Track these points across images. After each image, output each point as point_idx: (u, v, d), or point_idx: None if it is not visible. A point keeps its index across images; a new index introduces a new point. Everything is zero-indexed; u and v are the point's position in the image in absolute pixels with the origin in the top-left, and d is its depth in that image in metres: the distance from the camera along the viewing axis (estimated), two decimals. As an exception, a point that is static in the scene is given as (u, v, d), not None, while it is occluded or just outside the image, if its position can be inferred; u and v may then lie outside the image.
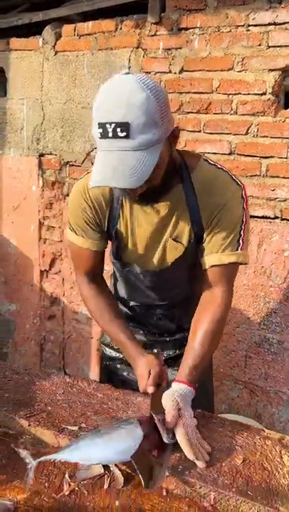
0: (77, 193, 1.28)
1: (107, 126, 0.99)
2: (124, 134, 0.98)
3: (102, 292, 1.40)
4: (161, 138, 1.04)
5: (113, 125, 0.98)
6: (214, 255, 1.25)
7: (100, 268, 1.40)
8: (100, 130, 1.00)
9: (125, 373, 1.55)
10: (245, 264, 1.29)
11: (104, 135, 1.00)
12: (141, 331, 1.52)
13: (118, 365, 1.56)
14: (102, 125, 1.00)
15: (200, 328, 1.24)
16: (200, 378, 1.22)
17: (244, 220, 1.24)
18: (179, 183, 1.23)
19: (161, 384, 1.24)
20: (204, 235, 1.25)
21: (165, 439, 1.05)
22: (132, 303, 1.48)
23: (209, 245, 1.25)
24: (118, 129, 0.98)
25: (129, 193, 1.15)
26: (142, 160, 1.00)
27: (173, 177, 1.21)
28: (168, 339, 1.51)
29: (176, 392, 1.13)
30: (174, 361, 1.47)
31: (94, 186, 1.05)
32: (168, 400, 1.11)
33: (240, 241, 1.24)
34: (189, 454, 1.04)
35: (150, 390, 1.20)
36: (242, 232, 1.24)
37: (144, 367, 1.26)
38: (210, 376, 1.65)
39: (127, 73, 1.04)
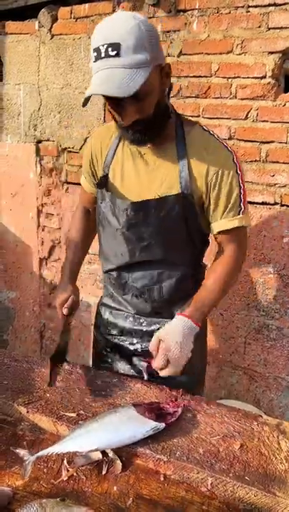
0: (92, 135, 1.48)
1: (100, 48, 1.10)
2: (114, 52, 1.08)
3: (84, 226, 1.61)
4: (150, 61, 1.13)
5: (105, 46, 1.09)
6: (219, 222, 1.32)
7: (90, 206, 1.59)
8: (95, 54, 1.11)
9: (110, 360, 1.56)
10: (249, 226, 1.36)
11: (97, 57, 1.11)
12: (120, 312, 1.52)
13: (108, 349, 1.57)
14: (96, 49, 1.11)
15: (213, 270, 1.35)
16: (204, 318, 1.33)
17: (240, 184, 1.30)
18: (172, 141, 1.31)
19: (72, 312, 1.48)
20: (206, 204, 1.32)
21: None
22: (108, 265, 1.49)
23: (213, 213, 1.32)
24: (109, 49, 1.08)
25: (125, 126, 1.21)
26: (131, 75, 1.09)
27: (166, 129, 1.29)
28: (144, 329, 1.48)
29: (167, 325, 1.26)
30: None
31: (87, 96, 1.11)
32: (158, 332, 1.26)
33: (242, 205, 1.31)
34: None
35: (65, 311, 1.45)
36: (242, 197, 1.31)
37: (66, 292, 1.49)
38: (202, 359, 1.62)
39: (123, 10, 1.19)
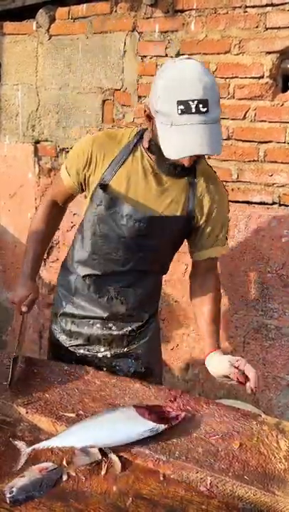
0: (88, 138, 1.44)
1: (190, 103, 1.15)
2: (205, 109, 1.16)
3: (50, 220, 1.58)
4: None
5: (196, 102, 1.15)
6: (210, 249, 1.47)
7: (63, 203, 1.59)
8: (182, 107, 1.16)
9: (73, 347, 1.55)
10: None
11: (186, 111, 1.16)
12: (85, 320, 1.52)
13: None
14: (183, 102, 1.16)
15: (210, 307, 1.48)
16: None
17: (229, 218, 1.51)
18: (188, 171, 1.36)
19: (29, 310, 1.51)
20: (199, 231, 1.44)
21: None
22: (88, 271, 1.50)
23: (206, 240, 1.46)
24: (200, 105, 1.16)
25: (185, 164, 1.27)
26: (219, 130, 1.22)
27: None
28: (114, 333, 1.51)
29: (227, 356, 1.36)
30: (123, 357, 1.51)
31: (185, 156, 1.20)
32: (225, 366, 1.29)
33: (227, 236, 1.50)
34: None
35: (24, 309, 1.47)
36: (228, 229, 1.51)
37: (26, 289, 1.51)
38: (159, 360, 1.70)
39: (189, 58, 1.24)
